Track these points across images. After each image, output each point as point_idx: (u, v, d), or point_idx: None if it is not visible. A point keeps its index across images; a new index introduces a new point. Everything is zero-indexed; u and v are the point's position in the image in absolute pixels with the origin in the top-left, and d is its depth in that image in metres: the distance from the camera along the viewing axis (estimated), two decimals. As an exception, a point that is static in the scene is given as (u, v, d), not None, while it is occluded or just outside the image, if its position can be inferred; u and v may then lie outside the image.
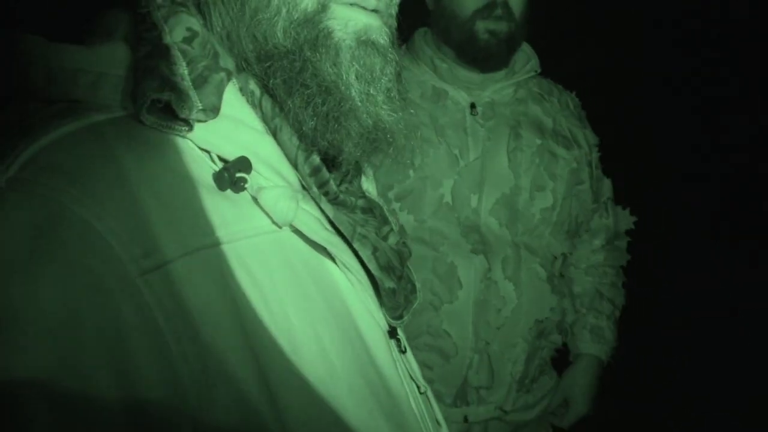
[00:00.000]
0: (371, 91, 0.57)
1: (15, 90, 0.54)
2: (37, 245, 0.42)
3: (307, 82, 0.55)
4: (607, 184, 1.59)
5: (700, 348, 3.00)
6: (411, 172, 1.34)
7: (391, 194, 1.34)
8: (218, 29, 0.56)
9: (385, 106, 0.58)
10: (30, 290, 0.41)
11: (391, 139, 0.59)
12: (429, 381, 1.29)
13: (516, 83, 1.44)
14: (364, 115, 0.57)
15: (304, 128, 0.56)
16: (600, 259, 1.60)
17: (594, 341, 1.54)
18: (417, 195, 1.34)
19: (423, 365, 1.32)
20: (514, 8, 1.35)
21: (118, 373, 0.42)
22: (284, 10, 0.55)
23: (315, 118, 0.55)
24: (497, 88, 1.42)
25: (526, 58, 1.47)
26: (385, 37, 0.59)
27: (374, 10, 0.58)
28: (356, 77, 0.56)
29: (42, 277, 0.41)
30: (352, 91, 0.56)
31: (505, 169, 1.37)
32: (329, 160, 0.65)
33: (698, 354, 2.97)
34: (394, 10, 0.61)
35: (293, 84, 0.55)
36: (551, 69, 1.52)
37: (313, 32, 0.55)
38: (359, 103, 0.56)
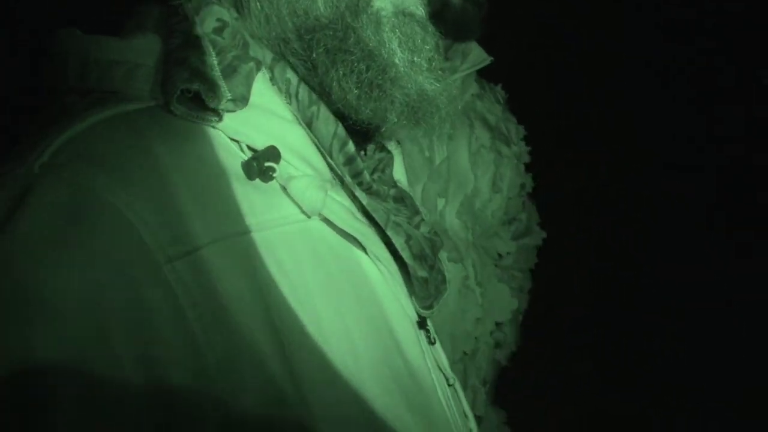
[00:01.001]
0: (415, 59, 0.58)
1: (52, 82, 0.56)
2: (66, 230, 0.43)
3: (351, 48, 0.56)
4: (529, 180, 1.51)
5: (691, 339, 2.98)
6: None
7: None
8: (257, 13, 0.57)
9: (428, 75, 0.59)
10: (58, 274, 0.42)
11: (434, 110, 0.59)
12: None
13: (463, 78, 1.37)
14: (409, 83, 0.57)
15: (348, 97, 0.56)
16: (509, 262, 1.50)
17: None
18: None
19: None
20: None
21: (144, 357, 0.43)
22: None
23: (359, 86, 0.56)
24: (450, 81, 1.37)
25: (467, 49, 1.37)
26: (422, 9, 0.60)
27: None
28: (399, 45, 0.57)
29: (70, 262, 0.43)
30: (396, 58, 0.57)
31: (466, 170, 1.34)
32: (363, 147, 0.67)
33: (688, 345, 2.96)
34: None
35: (337, 52, 0.56)
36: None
37: (353, 0, 0.56)
38: (403, 70, 0.57)
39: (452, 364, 1.26)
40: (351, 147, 0.58)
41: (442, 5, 1.29)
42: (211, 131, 0.54)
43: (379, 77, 0.56)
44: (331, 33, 0.56)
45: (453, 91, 0.61)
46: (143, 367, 0.43)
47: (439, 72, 0.59)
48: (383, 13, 0.57)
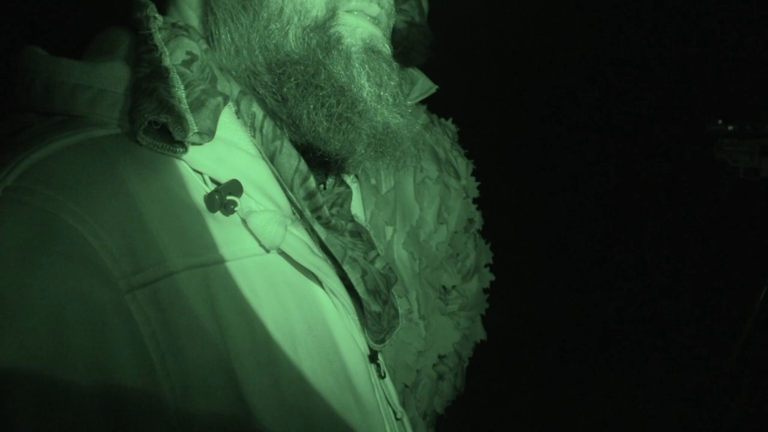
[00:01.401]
0: (382, 94, 0.59)
1: (15, 100, 0.55)
2: (29, 254, 0.43)
3: (321, 83, 0.57)
4: (479, 216, 1.49)
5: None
6: None
7: None
8: (226, 45, 0.58)
9: (393, 110, 0.60)
10: (23, 292, 0.42)
11: (398, 143, 0.61)
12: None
13: (412, 108, 1.31)
14: (376, 117, 0.58)
15: (318, 129, 0.57)
16: (455, 307, 1.46)
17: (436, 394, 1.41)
18: None
19: None
20: (423, 4, 1.29)
21: (102, 379, 0.43)
22: (296, 18, 0.57)
23: (329, 119, 0.57)
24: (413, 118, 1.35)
25: (413, 78, 1.37)
26: (387, 47, 0.62)
27: (376, 19, 0.60)
28: (367, 79, 0.58)
29: (31, 285, 0.42)
30: (364, 92, 0.58)
31: (411, 201, 1.33)
32: (323, 181, 0.68)
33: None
34: (392, 22, 0.64)
35: (307, 86, 0.57)
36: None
37: (324, 37, 0.57)
38: (371, 104, 0.58)
39: None
40: (312, 182, 0.58)
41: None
42: (176, 162, 0.54)
43: (348, 111, 0.57)
44: (302, 68, 0.57)
45: (415, 127, 0.62)
46: (101, 388, 0.43)
47: (404, 107, 0.61)
48: (353, 49, 0.58)
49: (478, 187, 1.47)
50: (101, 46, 0.60)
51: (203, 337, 0.48)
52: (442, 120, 1.51)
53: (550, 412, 2.88)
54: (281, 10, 0.57)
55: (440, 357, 1.34)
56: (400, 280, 1.28)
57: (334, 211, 0.65)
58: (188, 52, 0.56)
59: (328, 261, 0.60)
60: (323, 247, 0.60)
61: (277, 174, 0.58)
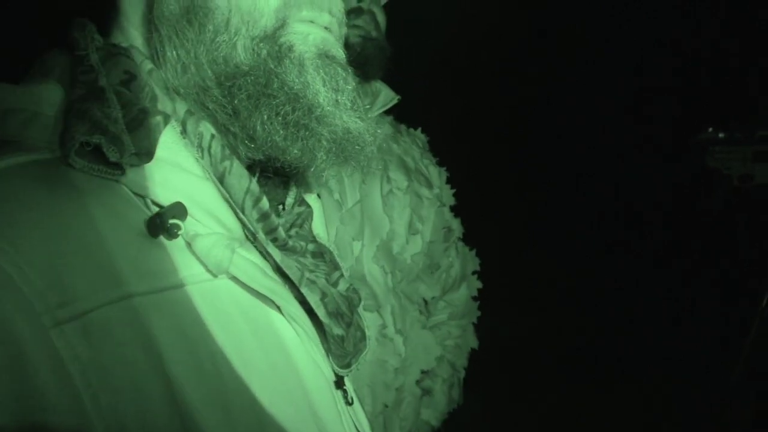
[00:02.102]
0: (339, 99, 0.57)
1: None
2: None
3: (274, 93, 0.55)
4: (457, 224, 1.47)
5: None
6: None
7: None
8: (173, 63, 0.56)
9: (352, 114, 0.58)
10: None
11: (360, 147, 0.58)
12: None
13: (375, 119, 1.35)
14: (335, 121, 0.56)
15: (275, 138, 0.55)
16: (444, 317, 1.44)
17: (425, 406, 1.39)
18: None
19: None
20: (379, 20, 1.28)
21: (29, 423, 0.40)
22: (243, 29, 0.55)
23: (285, 127, 0.55)
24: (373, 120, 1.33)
25: (376, 90, 1.37)
26: (341, 52, 0.60)
27: (327, 28, 0.59)
28: (323, 84, 0.56)
29: None
30: (321, 97, 0.56)
31: (380, 213, 1.29)
32: (282, 201, 0.66)
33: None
34: (343, 31, 0.63)
35: (260, 97, 0.54)
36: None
37: (274, 47, 0.55)
38: (328, 109, 0.56)
39: (373, 417, 1.21)
40: (265, 203, 0.56)
41: (344, 45, 1.26)
42: (114, 186, 0.51)
43: (305, 117, 0.55)
44: (252, 79, 0.55)
45: (377, 130, 0.60)
46: (27, 427, 0.41)
47: (362, 111, 0.59)
48: (307, 55, 0.56)
49: (453, 195, 1.45)
50: (38, 68, 0.58)
51: (141, 371, 0.45)
52: (411, 130, 1.49)
53: (551, 420, 2.83)
54: (228, 21, 0.55)
55: (424, 372, 1.30)
56: (372, 295, 1.25)
57: (293, 232, 0.63)
58: (126, 71, 0.54)
59: (286, 285, 0.58)
60: (279, 270, 0.58)
61: (227, 196, 0.55)
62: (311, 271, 0.61)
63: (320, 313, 0.58)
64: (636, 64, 3.63)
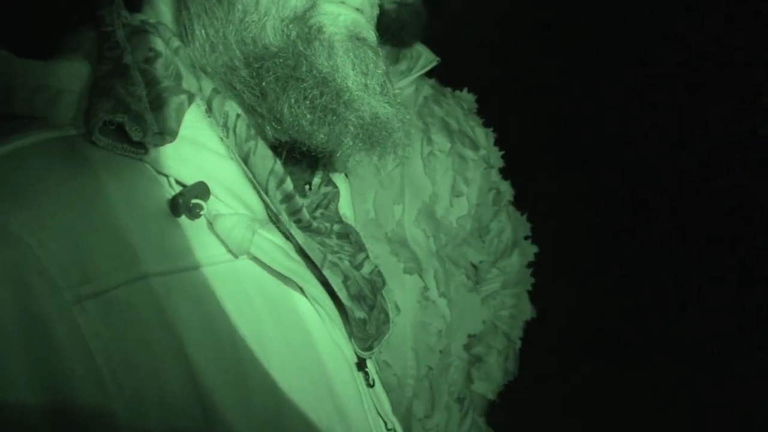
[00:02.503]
0: (368, 83, 0.56)
1: None
2: None
3: (302, 76, 0.54)
4: (507, 186, 1.43)
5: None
6: None
7: None
8: (201, 41, 0.55)
9: (381, 99, 0.56)
10: None
11: (388, 133, 0.57)
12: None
13: (416, 82, 1.33)
14: (363, 106, 0.55)
15: (302, 122, 0.54)
16: (497, 285, 1.41)
17: (480, 378, 1.37)
18: None
19: None
20: None
21: (49, 397, 0.41)
22: (273, 10, 0.54)
23: (313, 111, 0.54)
24: (400, 86, 1.30)
25: (416, 53, 1.34)
26: (372, 34, 0.59)
27: (358, 9, 0.58)
28: (352, 68, 0.55)
29: None
30: (349, 81, 0.55)
31: (421, 175, 1.26)
32: (309, 180, 0.65)
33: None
34: (375, 11, 0.62)
35: (288, 80, 0.54)
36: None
37: (304, 28, 0.54)
38: (357, 94, 0.55)
39: (418, 380, 1.21)
40: (288, 184, 0.56)
41: (379, 11, 1.25)
42: (137, 164, 0.51)
43: (333, 102, 0.54)
44: (281, 61, 0.54)
45: (406, 116, 0.59)
46: (48, 403, 0.41)
47: (392, 96, 0.58)
48: (336, 37, 0.55)
49: (502, 157, 1.41)
50: (66, 45, 0.58)
51: (161, 349, 0.46)
52: (456, 92, 1.45)
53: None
54: (257, 1, 0.54)
55: (471, 336, 1.27)
56: (413, 258, 1.22)
57: (318, 213, 0.63)
58: (151, 49, 0.53)
59: (308, 267, 0.57)
60: (302, 252, 0.57)
61: (251, 176, 0.55)
62: (335, 253, 0.61)
63: (342, 295, 0.58)
64: (642, 52, 3.59)
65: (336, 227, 0.64)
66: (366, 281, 0.63)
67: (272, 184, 0.55)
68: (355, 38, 0.56)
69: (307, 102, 0.54)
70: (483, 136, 1.39)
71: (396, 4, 1.21)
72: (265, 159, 0.55)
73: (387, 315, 0.66)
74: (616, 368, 2.97)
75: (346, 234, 0.64)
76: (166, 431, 0.45)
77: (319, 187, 0.67)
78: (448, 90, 1.44)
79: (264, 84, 0.54)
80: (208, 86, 0.55)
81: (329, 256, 0.59)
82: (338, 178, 0.71)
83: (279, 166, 0.56)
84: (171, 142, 0.51)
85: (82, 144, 0.49)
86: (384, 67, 0.58)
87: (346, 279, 0.59)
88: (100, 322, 0.43)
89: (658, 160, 3.71)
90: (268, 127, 0.57)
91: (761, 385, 2.73)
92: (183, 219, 0.51)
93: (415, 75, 1.31)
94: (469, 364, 1.32)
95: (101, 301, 0.44)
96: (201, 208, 0.51)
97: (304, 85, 0.54)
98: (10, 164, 0.46)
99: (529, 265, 1.44)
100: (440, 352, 1.24)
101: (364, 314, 0.60)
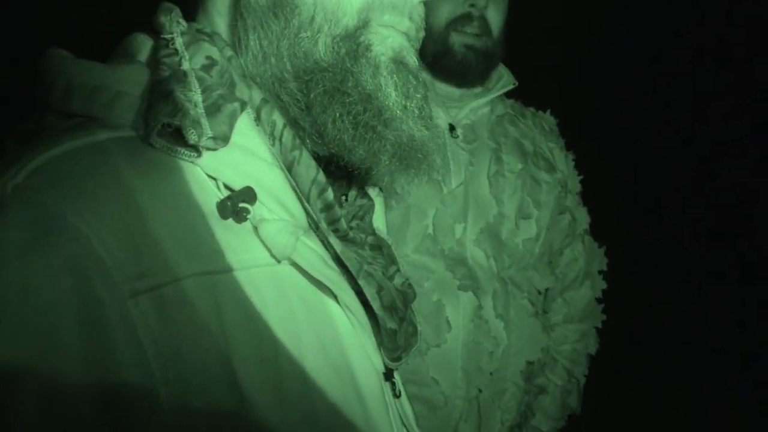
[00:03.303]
0: (408, 105, 0.58)
1: (38, 102, 0.55)
2: (30, 251, 0.43)
3: (348, 90, 0.56)
4: (583, 214, 1.40)
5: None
6: (393, 201, 1.20)
7: None
8: (254, 52, 0.57)
9: (419, 121, 0.59)
10: (19, 289, 0.42)
11: (423, 155, 0.60)
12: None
13: (491, 102, 1.32)
14: (402, 127, 0.57)
15: (344, 137, 0.56)
16: (559, 318, 1.38)
17: (539, 411, 1.34)
18: (400, 227, 1.19)
19: None
20: (492, 24, 1.24)
21: (101, 381, 0.43)
22: (326, 27, 0.56)
23: (355, 127, 0.56)
24: (475, 106, 1.30)
25: (497, 75, 1.35)
26: (415, 60, 0.61)
27: (405, 33, 0.60)
28: (394, 89, 0.57)
29: (30, 282, 0.42)
30: (391, 101, 0.57)
31: (486, 195, 1.24)
32: (345, 192, 0.67)
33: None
34: (421, 35, 0.63)
35: (335, 93, 0.56)
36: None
37: (353, 45, 0.56)
38: (397, 114, 0.57)
39: (467, 401, 1.17)
40: (329, 194, 0.57)
41: (444, 51, 1.24)
42: (189, 167, 0.53)
43: (374, 119, 0.57)
44: (329, 75, 0.56)
45: (441, 140, 0.61)
46: (98, 386, 0.43)
47: (429, 120, 0.61)
48: (382, 58, 0.57)
49: (581, 181, 1.39)
50: (125, 49, 0.60)
51: (207, 345, 0.48)
52: (539, 112, 1.44)
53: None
54: (312, 18, 0.56)
55: (531, 364, 1.24)
56: (470, 276, 1.20)
57: (353, 224, 0.65)
58: (208, 57, 0.55)
59: (344, 275, 0.59)
60: (339, 260, 0.59)
61: (294, 184, 0.57)
62: (369, 264, 0.62)
63: (375, 305, 0.60)
64: (654, 48, 3.60)
65: (370, 239, 0.65)
66: (398, 293, 0.64)
67: (314, 193, 0.57)
68: (400, 62, 0.58)
69: (351, 117, 0.56)
70: (562, 158, 1.37)
71: (464, 47, 1.23)
72: (309, 168, 0.56)
73: (415, 328, 0.67)
74: (628, 365, 3.00)
75: (379, 246, 0.66)
76: (202, 419, 0.47)
77: (355, 199, 0.69)
78: (530, 110, 1.43)
79: (312, 96, 0.56)
80: (257, 95, 0.57)
81: (365, 266, 0.60)
82: (372, 192, 0.72)
83: (321, 176, 0.57)
84: (223, 147, 0.52)
85: (139, 145, 0.51)
86: (423, 92, 0.60)
87: (380, 289, 0.60)
88: (152, 315, 0.45)
89: (671, 158, 3.73)
90: (309, 141, 0.58)
91: (762, 383, 2.77)
92: (230, 222, 0.52)
93: (490, 97, 1.31)
94: (528, 395, 1.28)
95: (154, 297, 0.45)
96: (248, 212, 0.52)
97: (349, 99, 0.56)
98: (71, 160, 0.48)
99: (598, 300, 1.40)
100: (491, 374, 1.20)
101: (395, 325, 0.62)
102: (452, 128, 1.27)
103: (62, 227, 0.44)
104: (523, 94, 1.45)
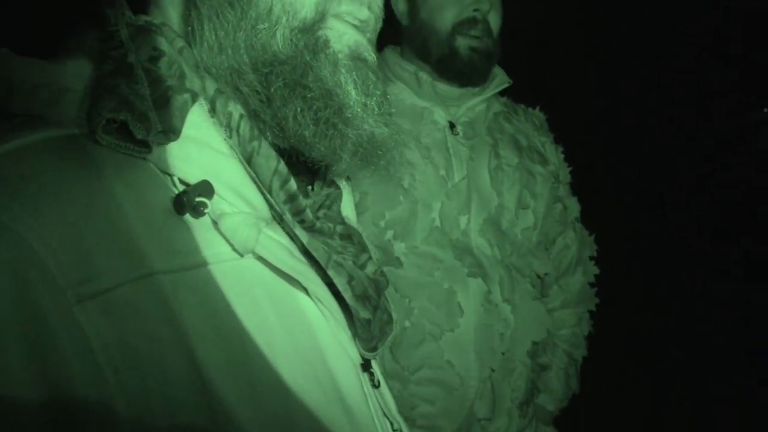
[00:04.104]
0: (367, 103, 0.57)
1: None
2: None
3: (309, 84, 0.55)
4: (574, 203, 1.48)
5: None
6: (401, 197, 1.27)
7: (382, 222, 1.26)
8: (209, 43, 0.55)
9: (378, 119, 0.58)
10: None
11: (382, 152, 0.59)
12: (430, 417, 1.25)
13: (487, 100, 1.40)
14: (362, 125, 0.57)
15: (305, 132, 0.55)
16: (557, 303, 1.46)
17: (543, 390, 1.42)
18: (408, 220, 1.27)
19: (424, 400, 1.25)
20: (492, 26, 1.32)
21: (49, 395, 0.41)
22: (284, 19, 0.55)
23: (316, 123, 0.55)
24: (472, 104, 1.37)
25: (492, 74, 1.43)
26: (372, 56, 0.60)
27: (365, 22, 0.59)
28: (353, 87, 0.57)
29: None
30: (351, 99, 0.56)
31: (488, 188, 1.32)
32: (311, 182, 0.66)
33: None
34: (379, 25, 0.63)
35: (296, 86, 0.55)
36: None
37: (311, 39, 0.56)
38: (358, 112, 0.57)
39: (480, 382, 1.26)
40: (292, 184, 0.56)
41: (451, 54, 1.32)
42: (141, 163, 0.50)
43: (335, 116, 0.56)
44: (289, 69, 0.55)
45: (399, 137, 0.61)
46: (48, 401, 0.41)
47: (388, 117, 0.60)
48: (340, 55, 0.57)
49: (570, 173, 1.47)
50: (69, 44, 0.57)
51: (165, 348, 0.45)
52: (529, 109, 1.52)
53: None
54: (270, 9, 0.55)
55: (536, 344, 1.31)
56: (478, 264, 1.26)
57: (320, 213, 0.63)
58: (155, 48, 0.54)
59: (313, 266, 0.58)
60: (306, 252, 0.57)
61: (254, 176, 0.55)
62: (338, 253, 0.60)
63: (347, 296, 0.58)
64: (658, 46, 3.59)
65: (339, 228, 0.64)
66: (370, 281, 0.63)
67: (276, 184, 0.55)
68: (357, 59, 0.58)
69: (311, 113, 0.55)
70: (553, 152, 1.45)
71: (469, 49, 1.30)
72: (269, 159, 0.55)
73: (390, 315, 0.66)
74: (632, 362, 3.00)
75: (349, 235, 0.64)
76: (166, 425, 0.44)
77: (321, 188, 0.67)
78: (521, 107, 1.51)
79: (272, 89, 0.55)
80: (211, 86, 0.55)
81: (334, 256, 0.59)
82: (340, 181, 0.71)
83: (283, 166, 0.56)
84: (174, 140, 0.51)
85: (85, 143, 0.49)
86: (382, 89, 0.60)
87: (350, 279, 0.59)
88: (102, 321, 0.43)
89: (675, 156, 3.73)
90: (269, 133, 0.57)
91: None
92: (187, 218, 0.50)
93: (486, 95, 1.39)
94: (533, 373, 1.35)
95: (103, 301, 0.43)
96: (205, 206, 0.50)
97: (311, 94, 0.55)
98: (11, 162, 0.45)
99: (591, 285, 1.48)
100: (503, 354, 1.27)
101: (368, 314, 0.60)
102: (452, 126, 1.34)
103: (1, 234, 0.41)
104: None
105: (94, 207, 0.45)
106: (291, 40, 0.55)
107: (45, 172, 0.45)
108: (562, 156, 1.48)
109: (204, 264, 0.50)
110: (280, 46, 0.55)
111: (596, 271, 1.48)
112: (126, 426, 0.43)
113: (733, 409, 2.77)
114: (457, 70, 1.32)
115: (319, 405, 0.53)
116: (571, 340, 1.45)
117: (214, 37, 0.55)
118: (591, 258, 1.49)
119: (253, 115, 0.57)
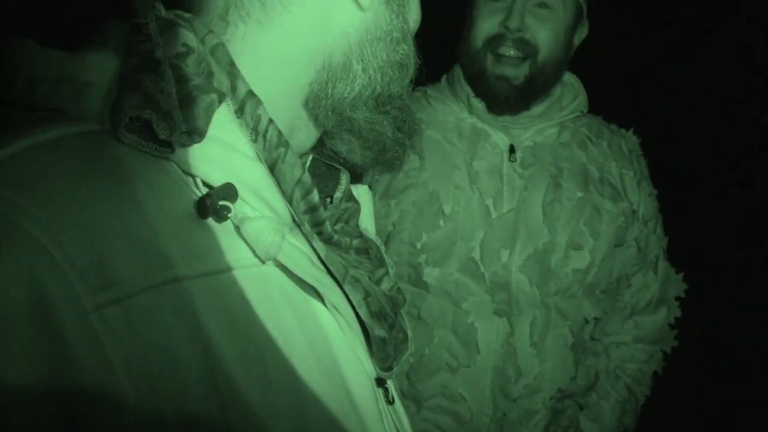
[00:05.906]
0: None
1: (1, 95, 0.50)
2: None
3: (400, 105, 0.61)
4: (654, 241, 1.34)
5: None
6: (441, 221, 1.20)
7: (419, 245, 1.19)
8: (269, 54, 0.55)
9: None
10: None
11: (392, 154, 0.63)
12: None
13: (561, 123, 1.27)
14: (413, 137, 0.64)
15: (386, 136, 0.60)
16: (628, 338, 1.36)
17: (590, 419, 1.32)
18: (445, 247, 1.19)
19: (435, 427, 1.23)
20: (539, 42, 1.18)
21: (58, 395, 0.39)
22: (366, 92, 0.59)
23: (394, 134, 0.61)
24: (540, 128, 1.26)
25: (573, 94, 1.30)
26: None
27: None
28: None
29: None
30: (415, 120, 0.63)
31: (539, 222, 1.21)
32: (330, 195, 0.67)
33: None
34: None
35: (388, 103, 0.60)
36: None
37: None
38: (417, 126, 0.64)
39: (494, 421, 1.19)
40: (315, 195, 0.55)
41: (479, 75, 1.20)
42: (163, 163, 0.49)
43: (414, 126, 0.62)
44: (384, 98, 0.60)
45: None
46: (57, 408, 0.39)
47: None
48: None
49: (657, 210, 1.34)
50: (95, 37, 0.54)
51: (184, 359, 0.44)
52: (621, 130, 1.37)
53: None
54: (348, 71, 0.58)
55: (560, 390, 1.24)
56: (508, 302, 1.20)
57: (338, 227, 0.62)
58: (184, 44, 0.51)
59: (329, 277, 0.56)
60: (323, 263, 0.56)
61: (277, 184, 0.54)
62: (355, 268, 0.60)
63: (362, 312, 0.57)
64: (683, 54, 3.62)
65: (355, 242, 0.62)
66: (387, 298, 0.61)
67: (298, 194, 0.54)
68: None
69: (405, 124, 0.61)
70: (633, 185, 1.29)
71: (495, 77, 1.21)
72: (294, 168, 0.53)
73: (406, 334, 0.65)
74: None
75: (365, 249, 0.63)
76: (180, 427, 0.43)
77: (341, 201, 0.66)
78: (610, 128, 1.36)
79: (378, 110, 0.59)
80: (243, 87, 0.53)
81: (351, 271, 0.58)
82: (361, 191, 0.70)
83: (307, 177, 0.54)
84: (199, 141, 0.49)
85: (107, 140, 0.47)
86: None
87: (367, 295, 0.58)
88: (120, 330, 0.41)
89: (700, 164, 3.75)
90: (321, 115, 0.58)
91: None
92: (209, 221, 0.49)
93: (557, 121, 1.27)
94: (572, 413, 1.30)
95: (121, 308, 0.41)
96: (228, 210, 0.48)
97: (400, 104, 0.61)
98: (29, 159, 0.43)
99: (671, 326, 1.39)
100: (514, 401, 1.21)
101: (384, 333, 0.59)
102: (512, 150, 1.23)
103: (15, 235, 0.39)
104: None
105: (113, 208, 0.43)
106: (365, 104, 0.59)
107: (62, 171, 0.43)
108: (648, 189, 1.33)
109: (226, 269, 0.48)
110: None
111: (678, 313, 1.37)
112: (137, 425, 0.41)
113: (758, 414, 2.77)
114: (485, 95, 1.22)
115: (334, 413, 0.52)
116: (636, 376, 1.35)
117: (281, 50, 0.56)
118: (677, 299, 1.38)
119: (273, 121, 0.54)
